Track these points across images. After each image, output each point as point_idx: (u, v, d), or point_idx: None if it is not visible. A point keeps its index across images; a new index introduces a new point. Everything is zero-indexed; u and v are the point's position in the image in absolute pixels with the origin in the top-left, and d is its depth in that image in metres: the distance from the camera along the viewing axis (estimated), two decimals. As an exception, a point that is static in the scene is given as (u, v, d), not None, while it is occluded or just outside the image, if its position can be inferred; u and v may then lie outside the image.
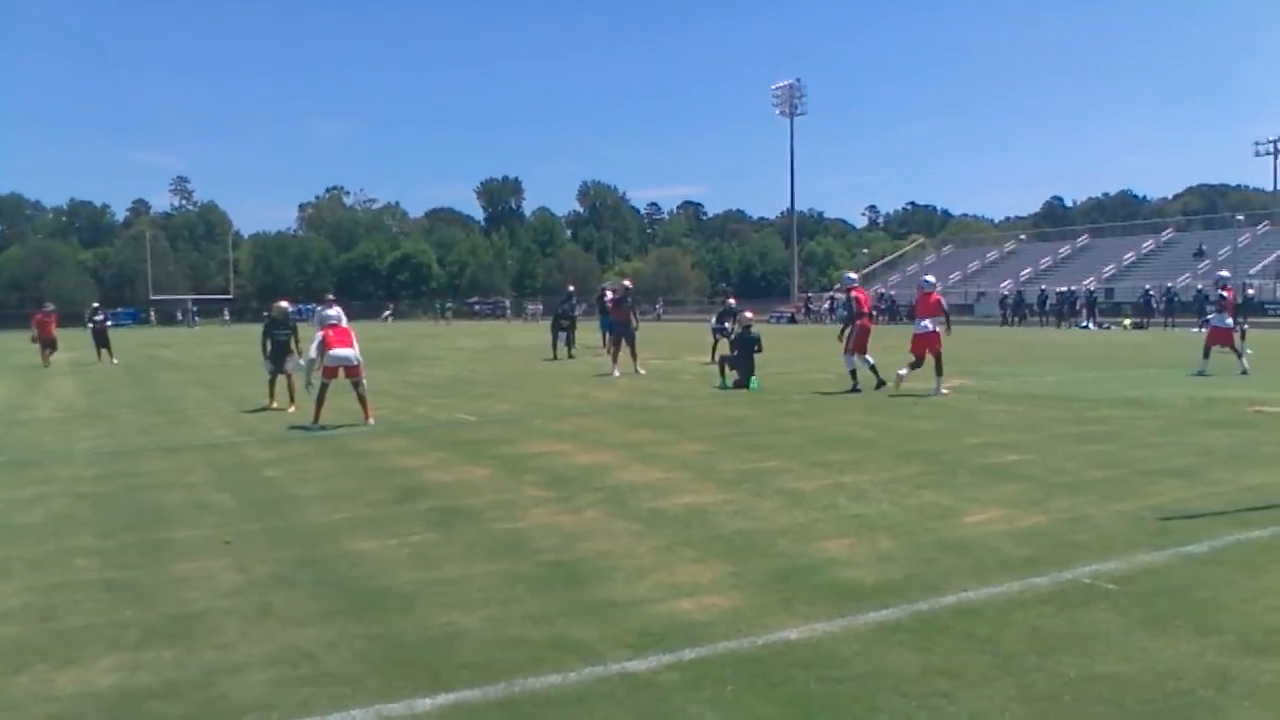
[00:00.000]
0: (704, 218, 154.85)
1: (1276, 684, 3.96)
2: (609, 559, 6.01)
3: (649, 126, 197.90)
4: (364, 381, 13.03)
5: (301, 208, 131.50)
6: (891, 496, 7.67)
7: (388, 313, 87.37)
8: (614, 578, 5.61)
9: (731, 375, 16.89)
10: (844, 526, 6.72)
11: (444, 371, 23.07)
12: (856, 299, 15.64)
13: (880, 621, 4.76)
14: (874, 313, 16.29)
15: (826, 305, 68.02)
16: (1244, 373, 17.51)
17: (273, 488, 8.65)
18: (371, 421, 12.74)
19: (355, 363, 12.76)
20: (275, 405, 14.90)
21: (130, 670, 4.37)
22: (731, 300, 24.40)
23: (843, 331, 16.05)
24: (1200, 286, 48.95)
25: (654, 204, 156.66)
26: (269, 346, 15.04)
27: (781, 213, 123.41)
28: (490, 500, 7.88)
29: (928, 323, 15.11)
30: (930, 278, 18.27)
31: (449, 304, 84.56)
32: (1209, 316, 18.43)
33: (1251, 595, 5.06)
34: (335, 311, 13.30)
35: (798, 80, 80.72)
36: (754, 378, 16.61)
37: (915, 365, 15.10)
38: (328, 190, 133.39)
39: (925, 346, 15.07)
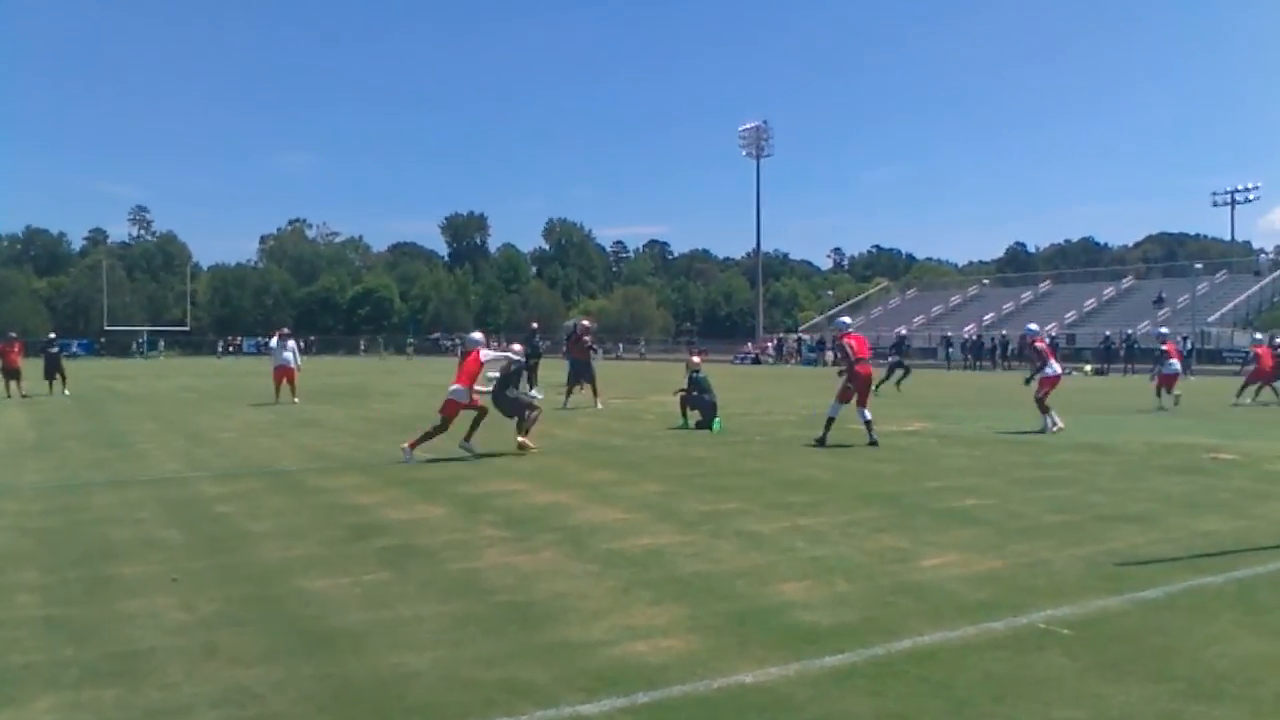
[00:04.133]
0: (670, 257, 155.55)
1: (1228, 732, 3.98)
2: (565, 600, 5.94)
3: (616, 165, 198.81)
4: None
5: (262, 239, 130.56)
6: (850, 539, 7.66)
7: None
8: (569, 619, 5.54)
9: (693, 416, 16.88)
10: (802, 569, 6.70)
11: (403, 408, 22.88)
12: (850, 345, 14.52)
13: (835, 665, 4.73)
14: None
15: (795, 345, 68.46)
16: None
17: (223, 524, 8.50)
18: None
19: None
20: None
21: (70, 710, 4.25)
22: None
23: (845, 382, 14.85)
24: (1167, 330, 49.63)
25: (619, 242, 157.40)
26: None
27: (747, 253, 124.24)
28: (445, 539, 7.78)
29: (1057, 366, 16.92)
30: (1034, 325, 19.42)
31: (410, 339, 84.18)
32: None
33: (1204, 641, 5.09)
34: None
35: (764, 122, 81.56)
36: (716, 419, 16.61)
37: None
38: (290, 222, 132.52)
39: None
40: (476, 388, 13.22)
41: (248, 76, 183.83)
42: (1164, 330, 25.28)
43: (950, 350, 57.32)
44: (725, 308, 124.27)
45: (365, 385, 33.14)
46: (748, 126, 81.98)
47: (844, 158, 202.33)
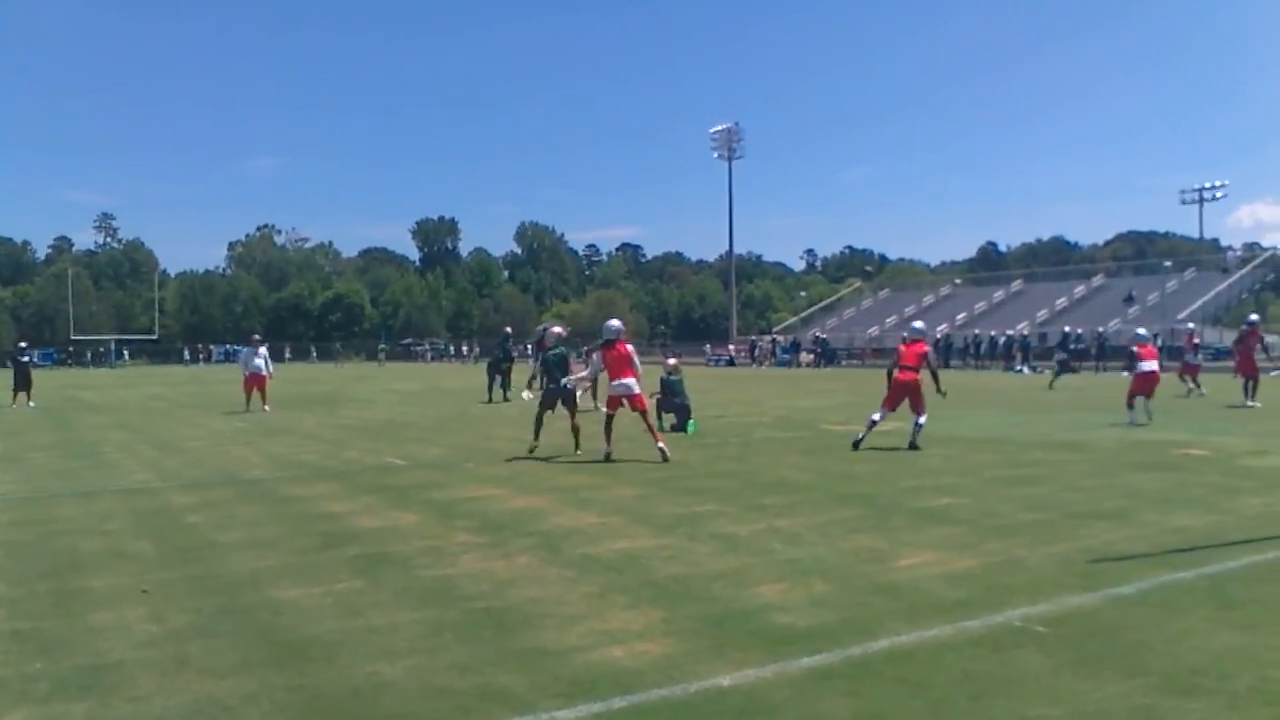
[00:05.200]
0: (643, 260, 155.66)
1: (1203, 726, 4.00)
2: (540, 606, 5.91)
3: (587, 168, 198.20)
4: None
5: (231, 246, 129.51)
6: (826, 540, 7.66)
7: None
8: (545, 625, 5.51)
9: (668, 419, 16.86)
10: (778, 571, 6.69)
11: (375, 415, 22.76)
12: (900, 352, 14.30)
13: (813, 666, 4.72)
14: (922, 365, 14.18)
15: (769, 347, 68.55)
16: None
17: (194, 534, 8.40)
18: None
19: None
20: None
21: (36, 727, 4.18)
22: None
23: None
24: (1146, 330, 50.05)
25: (592, 245, 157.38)
26: None
27: (720, 255, 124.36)
28: (419, 546, 7.73)
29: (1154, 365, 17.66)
30: (1143, 330, 20.51)
31: (382, 345, 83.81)
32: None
33: (1176, 636, 5.12)
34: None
35: (736, 124, 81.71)
36: (691, 421, 16.61)
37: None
38: (258, 228, 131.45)
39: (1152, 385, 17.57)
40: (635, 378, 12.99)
41: (215, 81, 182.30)
42: (1190, 325, 25.74)
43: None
44: (699, 310, 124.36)
45: (337, 393, 32.95)
46: (719, 129, 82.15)
47: (816, 159, 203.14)
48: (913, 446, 13.70)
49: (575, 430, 13.43)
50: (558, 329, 14.46)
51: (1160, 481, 10.52)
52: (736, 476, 11.31)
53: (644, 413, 13.08)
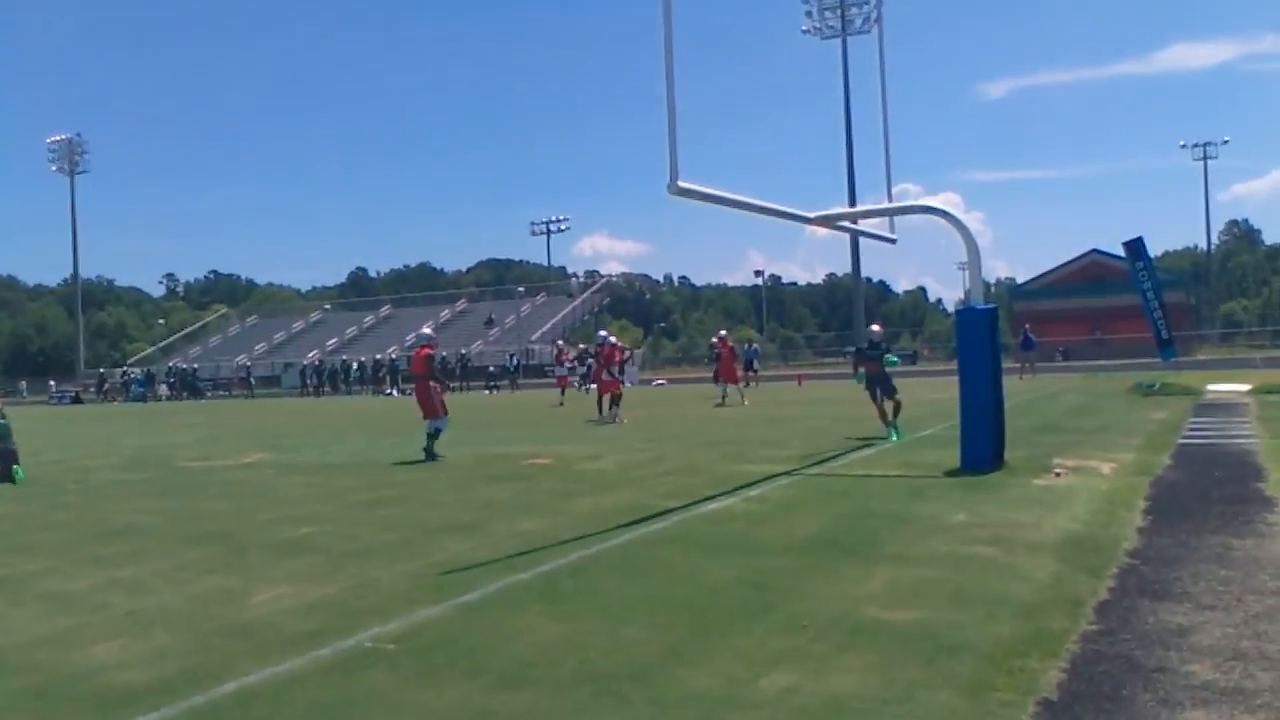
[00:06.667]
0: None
1: (530, 712, 4.35)
2: None
3: None
4: None
5: None
6: (174, 586, 7.16)
7: None
8: None
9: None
10: (116, 627, 6.09)
11: None
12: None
13: (149, 726, 4.36)
14: (438, 379, 16.09)
15: (121, 380, 63.01)
16: None
17: None
18: None
19: None
20: None
21: None
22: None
23: None
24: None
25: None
26: None
27: (64, 280, 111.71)
28: None
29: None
30: (604, 331, 26.05)
31: None
32: None
33: (513, 634, 5.53)
34: None
35: (78, 135, 74.63)
36: (18, 467, 14.58)
37: None
38: None
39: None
40: None
41: None
42: (723, 333, 28.74)
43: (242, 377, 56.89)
44: (38, 341, 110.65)
45: None
46: (57, 139, 74.37)
47: (174, 178, 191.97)
48: (430, 454, 14.91)
49: None
50: None
51: (509, 491, 11.38)
52: (72, 527, 10.15)
53: None
